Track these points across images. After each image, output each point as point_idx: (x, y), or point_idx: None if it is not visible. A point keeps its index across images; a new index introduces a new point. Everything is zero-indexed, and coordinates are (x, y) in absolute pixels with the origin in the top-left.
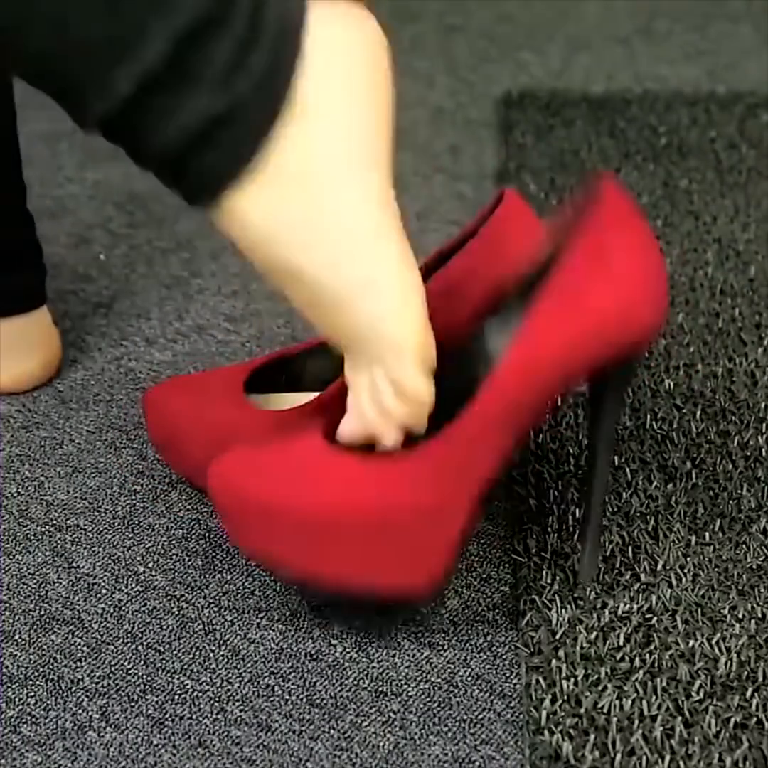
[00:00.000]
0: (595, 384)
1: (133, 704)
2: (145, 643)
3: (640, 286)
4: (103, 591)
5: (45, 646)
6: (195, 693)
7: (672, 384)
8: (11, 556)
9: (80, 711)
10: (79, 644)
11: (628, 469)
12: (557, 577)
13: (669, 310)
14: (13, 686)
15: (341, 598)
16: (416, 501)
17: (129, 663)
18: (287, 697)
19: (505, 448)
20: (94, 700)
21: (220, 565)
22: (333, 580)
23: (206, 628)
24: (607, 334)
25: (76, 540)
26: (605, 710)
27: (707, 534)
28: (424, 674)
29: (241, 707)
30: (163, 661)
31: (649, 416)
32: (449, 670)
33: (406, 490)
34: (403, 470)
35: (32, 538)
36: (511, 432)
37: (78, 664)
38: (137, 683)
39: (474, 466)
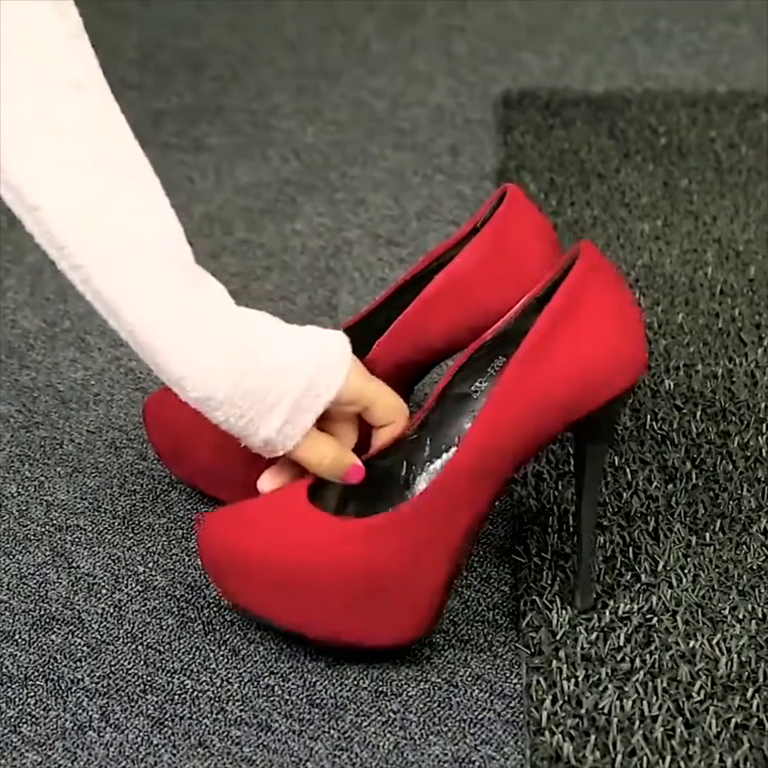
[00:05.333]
0: (578, 438)
1: (133, 704)
2: (145, 643)
3: (605, 350)
4: (103, 591)
5: (45, 646)
6: (195, 693)
7: (672, 384)
8: (11, 556)
9: (80, 711)
10: (79, 644)
11: (628, 470)
12: (558, 578)
13: (644, 369)
14: (13, 686)
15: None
16: (396, 564)
17: (129, 663)
18: (287, 697)
19: (480, 506)
20: (94, 700)
21: None
22: (316, 635)
23: (206, 628)
24: (569, 399)
25: (76, 540)
26: (606, 711)
27: (708, 534)
28: (424, 674)
29: (241, 707)
30: (163, 661)
31: (649, 416)
32: (449, 670)
33: (386, 552)
34: (382, 533)
35: (32, 538)
36: (483, 492)
37: (78, 664)
38: (137, 683)
39: (450, 526)
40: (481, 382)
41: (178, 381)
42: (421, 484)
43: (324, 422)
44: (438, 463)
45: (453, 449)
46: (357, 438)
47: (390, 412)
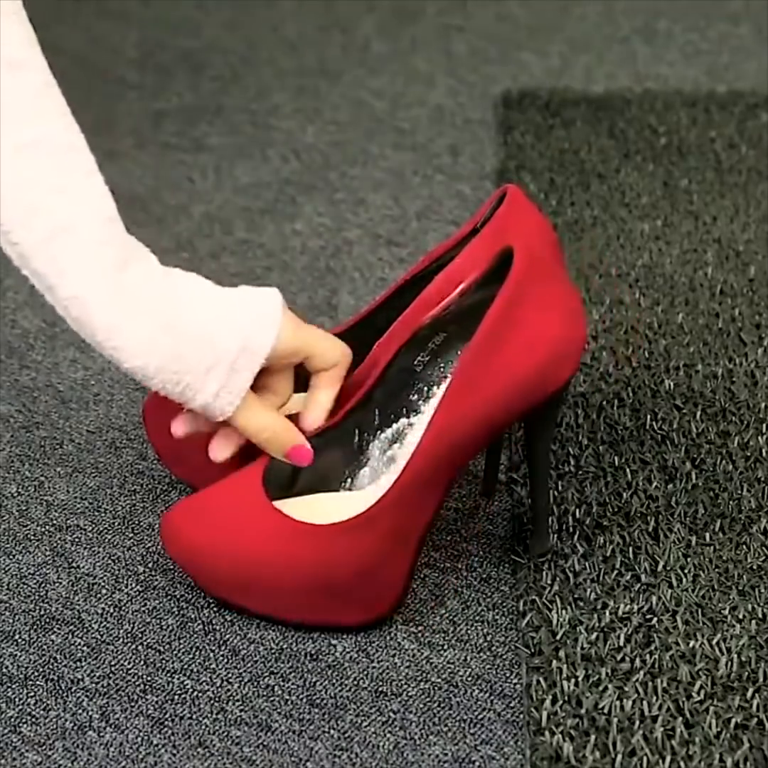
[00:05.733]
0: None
1: (133, 704)
2: (145, 643)
3: (551, 342)
4: (103, 591)
5: (45, 646)
6: (195, 693)
7: (672, 384)
8: (11, 556)
9: (80, 711)
10: (79, 644)
11: (628, 470)
12: (557, 578)
13: (582, 353)
14: (13, 686)
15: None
16: (357, 565)
17: (129, 663)
18: (287, 697)
19: (437, 499)
20: (94, 700)
21: None
22: (288, 621)
23: (206, 628)
24: (519, 392)
25: (76, 540)
26: (606, 711)
27: (708, 534)
28: (424, 674)
29: (241, 707)
30: (163, 661)
31: (649, 416)
32: (449, 670)
33: (347, 556)
34: (342, 537)
35: (32, 538)
36: (439, 487)
37: (78, 664)
38: (137, 683)
39: (410, 523)
40: (423, 356)
41: (112, 353)
42: (375, 450)
43: (261, 375)
44: (388, 432)
45: (403, 420)
46: (292, 389)
47: (329, 357)
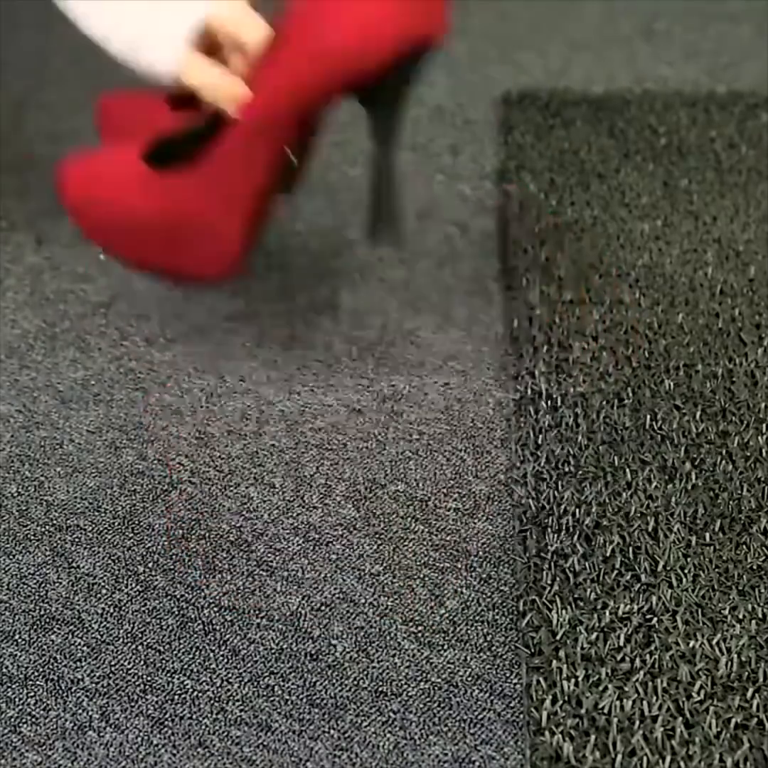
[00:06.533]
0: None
1: (133, 704)
2: (145, 643)
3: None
4: (103, 591)
5: (45, 646)
6: (195, 693)
7: (672, 384)
8: (11, 556)
9: (80, 711)
10: (79, 644)
11: (628, 470)
12: (557, 578)
13: (442, 25)
14: (13, 686)
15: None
16: (197, 208)
17: (129, 663)
18: (287, 697)
19: (270, 154)
20: (94, 700)
21: (220, 565)
22: (149, 268)
23: (206, 628)
24: (346, 49)
25: (76, 540)
26: (606, 711)
27: (707, 534)
28: (424, 674)
29: (241, 707)
30: (163, 661)
31: (649, 416)
32: (449, 670)
33: (188, 198)
34: (186, 183)
35: (32, 538)
36: (268, 145)
37: (78, 664)
38: (137, 683)
39: (241, 176)
40: None
41: (79, 20)
42: None
43: (213, 53)
44: None
45: None
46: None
47: (254, 35)
